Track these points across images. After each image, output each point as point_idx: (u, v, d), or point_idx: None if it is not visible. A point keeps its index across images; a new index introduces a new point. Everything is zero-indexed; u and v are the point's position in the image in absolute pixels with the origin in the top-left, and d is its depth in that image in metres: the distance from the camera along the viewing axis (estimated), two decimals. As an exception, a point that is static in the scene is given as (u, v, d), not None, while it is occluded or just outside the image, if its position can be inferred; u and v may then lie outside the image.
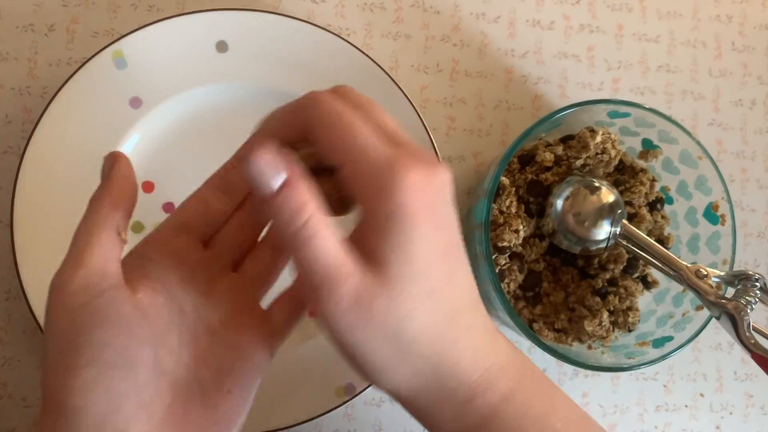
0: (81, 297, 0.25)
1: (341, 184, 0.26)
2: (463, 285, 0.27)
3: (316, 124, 0.26)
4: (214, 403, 0.27)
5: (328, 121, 0.26)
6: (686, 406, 0.49)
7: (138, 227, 0.43)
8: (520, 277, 0.44)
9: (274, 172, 0.24)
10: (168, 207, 0.44)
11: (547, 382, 0.31)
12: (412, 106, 0.44)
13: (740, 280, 0.39)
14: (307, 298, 0.26)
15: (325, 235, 0.24)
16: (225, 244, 0.30)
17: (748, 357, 0.50)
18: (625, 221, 0.42)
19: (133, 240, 0.44)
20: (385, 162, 0.25)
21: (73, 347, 0.24)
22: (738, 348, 0.50)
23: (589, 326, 0.42)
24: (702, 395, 0.50)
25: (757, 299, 0.37)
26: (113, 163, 0.29)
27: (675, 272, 0.40)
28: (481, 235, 0.40)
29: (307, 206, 0.24)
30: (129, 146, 0.43)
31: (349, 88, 0.29)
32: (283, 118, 0.28)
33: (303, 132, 0.27)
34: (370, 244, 0.25)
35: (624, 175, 0.46)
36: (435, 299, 0.26)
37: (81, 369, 0.24)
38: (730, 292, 0.39)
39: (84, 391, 0.24)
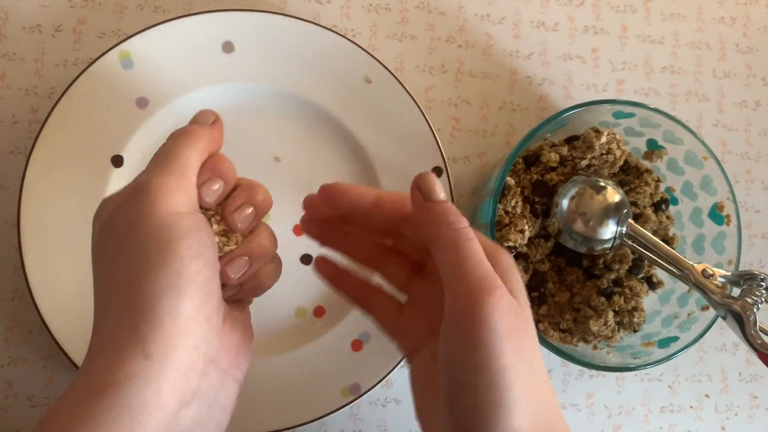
0: (184, 206, 0.28)
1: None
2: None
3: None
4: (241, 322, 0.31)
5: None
6: (691, 407, 0.49)
7: (144, 227, 0.43)
8: (525, 278, 0.44)
9: (440, 188, 0.29)
10: (174, 207, 0.44)
11: None
12: (418, 107, 0.44)
13: (746, 279, 0.39)
14: (462, 296, 0.27)
15: (479, 245, 0.28)
16: None
17: (752, 358, 0.50)
18: (631, 220, 0.42)
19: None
20: (481, 288, 0.27)
21: (183, 240, 0.26)
22: (743, 349, 0.50)
23: (594, 326, 0.42)
24: (707, 396, 0.49)
25: (763, 299, 0.37)
26: (216, 116, 0.32)
27: (681, 272, 0.40)
28: (486, 234, 0.40)
29: (464, 217, 0.29)
30: (136, 146, 0.43)
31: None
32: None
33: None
34: None
35: (629, 175, 0.46)
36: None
37: (193, 257, 0.26)
38: (736, 292, 0.39)
39: (197, 273, 0.26)
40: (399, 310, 0.34)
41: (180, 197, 0.28)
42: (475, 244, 0.28)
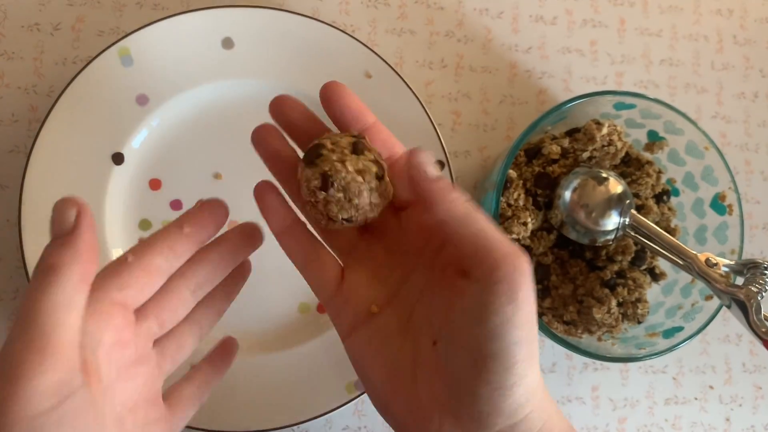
0: (47, 400, 0.21)
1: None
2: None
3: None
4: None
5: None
6: (696, 398, 0.49)
7: (146, 225, 0.43)
8: (529, 270, 0.44)
9: (433, 165, 0.27)
10: (175, 204, 0.44)
11: None
12: (419, 101, 0.44)
13: (749, 268, 0.39)
14: (500, 262, 0.25)
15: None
16: (154, 316, 0.29)
17: (756, 348, 0.50)
18: (633, 211, 0.42)
19: (139, 239, 0.44)
20: (514, 253, 0.25)
21: None
22: (746, 340, 0.50)
23: (597, 313, 0.42)
24: (711, 387, 0.49)
25: (767, 287, 0.38)
26: (78, 213, 0.24)
27: (684, 261, 0.40)
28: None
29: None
30: (136, 143, 0.43)
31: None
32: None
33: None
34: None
35: (630, 167, 0.46)
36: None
37: None
38: (740, 281, 0.39)
39: None
40: (341, 275, 0.30)
41: (46, 382, 0.21)
42: (480, 214, 0.27)
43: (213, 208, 0.30)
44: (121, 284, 0.27)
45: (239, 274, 0.33)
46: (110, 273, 0.27)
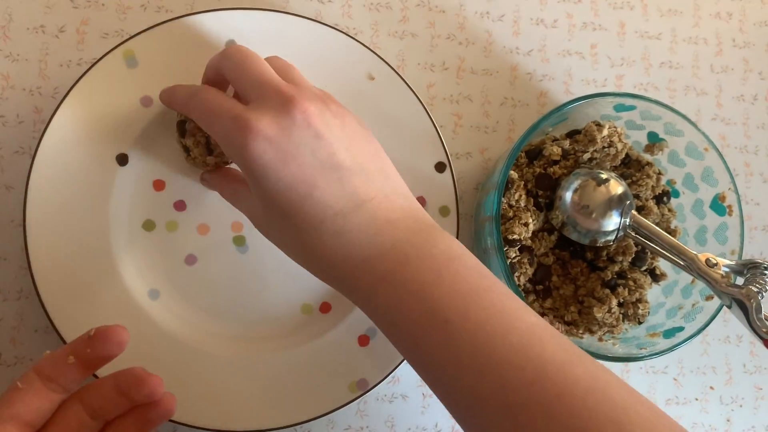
0: None
1: None
2: (324, 199, 0.32)
3: (192, 112, 0.36)
4: None
5: (194, 107, 0.36)
6: (696, 399, 0.49)
7: (150, 225, 0.43)
8: (530, 271, 0.44)
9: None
10: (179, 205, 0.44)
11: (443, 260, 0.31)
12: (421, 103, 0.45)
13: (749, 268, 0.39)
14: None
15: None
16: None
17: (756, 349, 0.50)
18: (634, 212, 0.42)
19: (143, 239, 0.44)
20: (231, 128, 0.32)
21: None
22: (746, 340, 0.50)
23: (598, 313, 0.43)
24: (712, 388, 0.50)
25: (767, 287, 0.38)
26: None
27: (685, 261, 0.40)
28: (491, 227, 0.40)
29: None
30: (140, 144, 0.43)
31: (232, 52, 0.36)
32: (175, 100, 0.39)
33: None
34: None
35: (630, 168, 0.47)
36: (287, 221, 0.32)
37: None
38: (740, 282, 0.39)
39: None
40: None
41: None
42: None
43: (100, 339, 0.31)
44: (11, 414, 0.29)
45: (152, 416, 0.33)
46: (4, 402, 0.30)
